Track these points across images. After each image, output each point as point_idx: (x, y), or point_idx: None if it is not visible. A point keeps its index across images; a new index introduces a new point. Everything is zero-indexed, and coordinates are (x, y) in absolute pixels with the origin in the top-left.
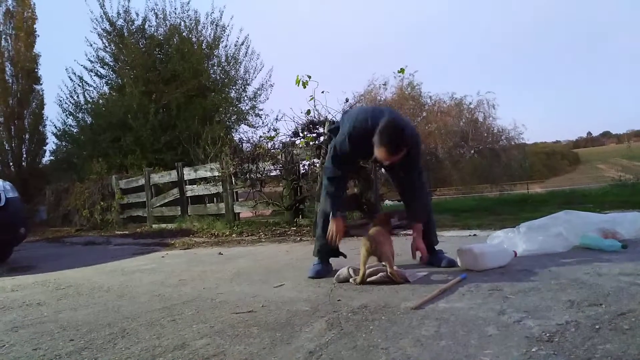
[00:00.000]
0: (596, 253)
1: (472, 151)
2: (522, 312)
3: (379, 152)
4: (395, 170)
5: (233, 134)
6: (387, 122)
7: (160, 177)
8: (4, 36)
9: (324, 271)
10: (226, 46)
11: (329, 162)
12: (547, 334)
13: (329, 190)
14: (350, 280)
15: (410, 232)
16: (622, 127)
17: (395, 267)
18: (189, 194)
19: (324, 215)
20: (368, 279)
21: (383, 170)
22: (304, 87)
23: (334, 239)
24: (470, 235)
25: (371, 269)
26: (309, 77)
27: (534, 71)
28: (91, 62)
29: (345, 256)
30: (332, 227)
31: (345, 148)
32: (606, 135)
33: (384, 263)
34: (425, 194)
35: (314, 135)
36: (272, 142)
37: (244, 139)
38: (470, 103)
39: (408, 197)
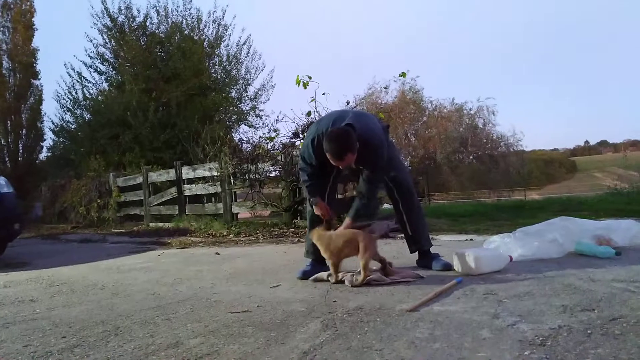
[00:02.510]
0: (590, 259)
1: (471, 157)
2: (516, 316)
3: (329, 158)
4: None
5: (233, 134)
6: (331, 130)
7: (159, 176)
8: (1, 29)
9: (312, 272)
10: (228, 45)
11: (300, 164)
12: (540, 338)
13: (305, 184)
14: (346, 282)
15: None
16: (619, 136)
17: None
18: (187, 193)
19: (311, 216)
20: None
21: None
22: (305, 88)
23: (327, 219)
24: (467, 239)
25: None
26: (310, 77)
27: (533, 79)
28: (91, 58)
29: None
30: (317, 211)
31: (308, 154)
32: (603, 144)
33: (374, 267)
34: (372, 194)
35: None
36: (272, 143)
37: (244, 139)
38: (470, 109)
39: (357, 192)
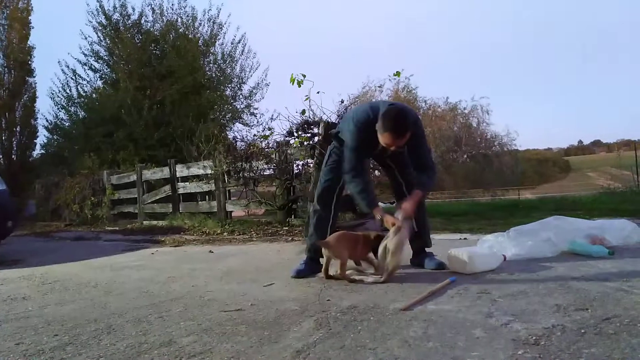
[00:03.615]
0: (584, 259)
1: (465, 156)
2: (510, 316)
3: (383, 138)
4: (402, 157)
5: (227, 132)
6: (388, 109)
7: (153, 174)
8: None
9: (307, 271)
10: (222, 44)
11: (348, 164)
12: (534, 337)
13: (361, 195)
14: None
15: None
16: (613, 136)
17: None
18: (181, 191)
19: (315, 215)
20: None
21: (389, 162)
22: (299, 86)
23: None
24: (460, 238)
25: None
26: (304, 76)
27: (527, 78)
28: (85, 55)
29: None
30: (388, 224)
31: (355, 143)
32: (597, 144)
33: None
34: (433, 173)
35: (309, 135)
36: (266, 141)
37: (238, 137)
38: (464, 108)
39: (418, 169)
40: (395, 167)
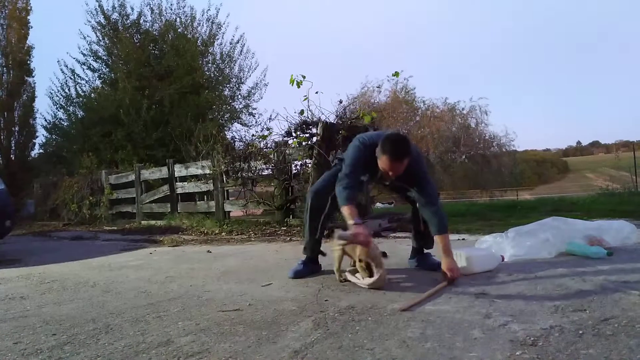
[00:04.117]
0: (582, 260)
1: (464, 156)
2: (508, 316)
3: (381, 162)
4: (402, 187)
5: (226, 132)
6: (390, 133)
7: (151, 174)
8: None
9: (305, 271)
10: (221, 44)
11: (343, 172)
12: (532, 338)
13: (340, 187)
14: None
15: (399, 234)
16: (611, 137)
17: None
18: (179, 191)
19: (311, 214)
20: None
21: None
22: (298, 87)
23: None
24: (459, 239)
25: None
26: (304, 76)
27: (526, 79)
28: (84, 55)
29: (324, 254)
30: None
31: (355, 160)
32: (595, 144)
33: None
34: (441, 211)
35: (307, 135)
36: (264, 142)
37: (237, 137)
38: (463, 109)
39: (426, 213)
40: (411, 188)
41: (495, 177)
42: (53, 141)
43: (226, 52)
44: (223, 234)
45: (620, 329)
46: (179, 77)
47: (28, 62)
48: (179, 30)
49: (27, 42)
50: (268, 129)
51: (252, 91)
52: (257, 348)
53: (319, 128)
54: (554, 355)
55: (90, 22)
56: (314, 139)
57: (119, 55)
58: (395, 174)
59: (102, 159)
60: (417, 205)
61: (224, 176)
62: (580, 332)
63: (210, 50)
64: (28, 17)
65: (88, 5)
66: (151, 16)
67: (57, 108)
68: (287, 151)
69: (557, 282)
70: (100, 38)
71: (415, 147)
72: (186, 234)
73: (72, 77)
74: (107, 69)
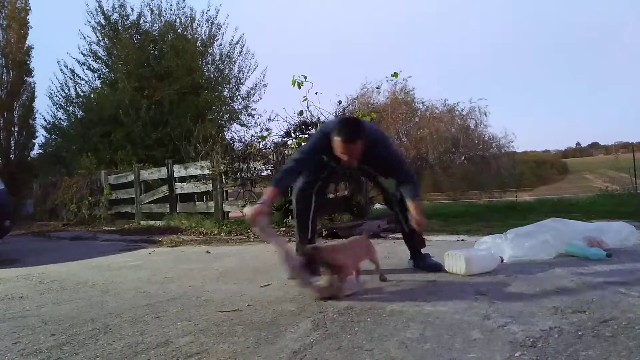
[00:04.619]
0: (581, 261)
1: (463, 157)
2: (507, 317)
3: (335, 146)
4: (372, 174)
5: (225, 133)
6: (341, 118)
7: (150, 174)
8: None
9: None
10: (221, 44)
11: (286, 163)
12: (531, 340)
13: (274, 178)
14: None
15: (398, 235)
16: (610, 138)
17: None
18: (178, 191)
19: (298, 214)
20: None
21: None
22: (299, 88)
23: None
24: (458, 240)
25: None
26: (305, 77)
27: (525, 80)
28: (84, 55)
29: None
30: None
31: (309, 147)
32: (594, 146)
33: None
34: (415, 184)
35: (306, 136)
36: (264, 142)
37: (236, 137)
38: (462, 110)
39: (403, 188)
40: (376, 174)
41: (495, 178)
42: (52, 141)
43: (226, 53)
44: (222, 234)
45: (620, 331)
46: (178, 77)
47: (27, 62)
48: (178, 30)
49: (27, 42)
50: (267, 130)
51: (252, 92)
52: (256, 349)
53: (318, 128)
54: (553, 356)
55: (90, 22)
56: None
57: (119, 55)
58: (351, 158)
59: (101, 159)
60: (396, 189)
61: (223, 177)
62: (580, 333)
63: (209, 51)
64: (27, 17)
65: (88, 5)
66: (151, 17)
67: (56, 108)
68: (286, 152)
69: (556, 284)
70: (100, 38)
71: (382, 132)
72: (185, 235)
73: (71, 77)
74: (107, 70)
